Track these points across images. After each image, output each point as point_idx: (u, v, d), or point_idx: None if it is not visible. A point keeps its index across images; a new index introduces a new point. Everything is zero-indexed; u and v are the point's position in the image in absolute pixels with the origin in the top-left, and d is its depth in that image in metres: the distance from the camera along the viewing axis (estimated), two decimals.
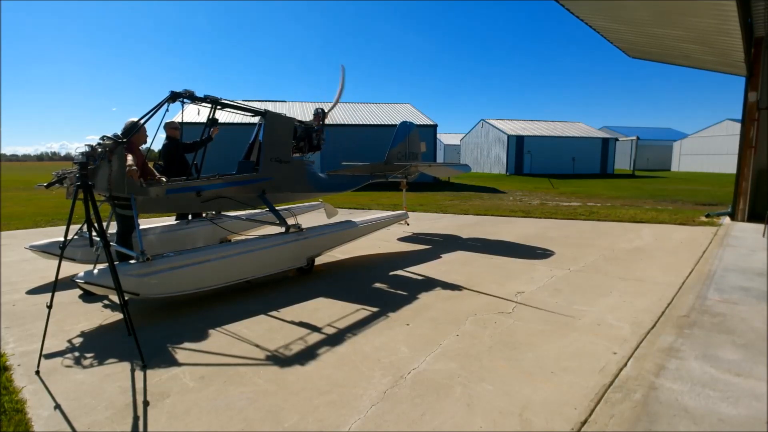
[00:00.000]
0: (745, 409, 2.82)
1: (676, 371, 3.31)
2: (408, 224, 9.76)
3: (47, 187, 4.66)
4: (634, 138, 49.19)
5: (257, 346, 3.92)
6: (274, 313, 4.76)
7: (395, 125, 10.97)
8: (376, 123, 28.87)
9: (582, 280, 5.95)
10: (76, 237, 5.08)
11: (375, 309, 4.86)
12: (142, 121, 5.01)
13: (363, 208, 14.38)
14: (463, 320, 4.47)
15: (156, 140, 5.65)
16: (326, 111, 7.49)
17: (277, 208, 6.62)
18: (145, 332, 4.14)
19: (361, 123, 28.74)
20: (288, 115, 6.76)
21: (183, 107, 5.51)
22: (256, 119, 6.60)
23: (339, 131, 26.06)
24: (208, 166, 6.26)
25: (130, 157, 4.75)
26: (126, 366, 3.53)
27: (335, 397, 3.05)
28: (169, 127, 6.84)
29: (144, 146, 5.33)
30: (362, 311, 4.80)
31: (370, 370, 3.44)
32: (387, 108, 33.44)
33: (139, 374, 3.39)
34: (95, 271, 4.27)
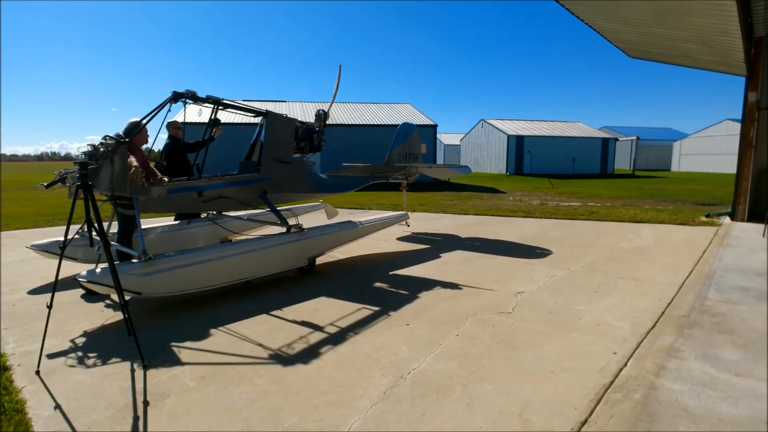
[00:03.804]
0: (745, 409, 2.82)
1: (676, 371, 3.31)
2: (408, 225, 9.77)
3: (48, 186, 4.67)
4: (634, 138, 49.21)
5: (258, 345, 3.92)
6: (274, 312, 4.77)
7: (395, 125, 10.97)
8: (375, 123, 28.88)
9: (582, 280, 5.95)
10: (77, 236, 5.09)
11: (375, 309, 4.86)
12: (144, 121, 5.02)
13: (363, 209, 14.38)
14: (463, 320, 4.48)
15: (157, 140, 5.67)
16: (327, 111, 7.49)
17: (278, 208, 6.63)
18: (145, 332, 4.15)
19: (360, 123, 28.74)
20: (288, 115, 6.76)
21: (185, 107, 5.52)
22: (257, 120, 6.61)
23: (339, 131, 26.07)
24: (209, 166, 6.27)
25: (133, 157, 4.75)
26: (126, 366, 3.54)
27: (335, 397, 3.05)
28: (172, 126, 6.85)
29: (145, 146, 5.34)
30: (362, 311, 4.81)
31: (370, 370, 3.45)
32: (387, 108, 33.43)
33: (139, 374, 3.39)
34: (98, 270, 4.28)
